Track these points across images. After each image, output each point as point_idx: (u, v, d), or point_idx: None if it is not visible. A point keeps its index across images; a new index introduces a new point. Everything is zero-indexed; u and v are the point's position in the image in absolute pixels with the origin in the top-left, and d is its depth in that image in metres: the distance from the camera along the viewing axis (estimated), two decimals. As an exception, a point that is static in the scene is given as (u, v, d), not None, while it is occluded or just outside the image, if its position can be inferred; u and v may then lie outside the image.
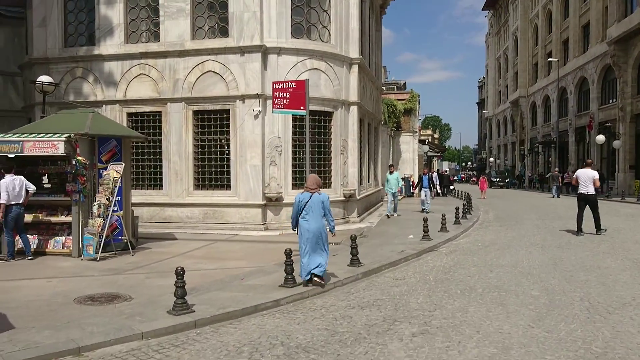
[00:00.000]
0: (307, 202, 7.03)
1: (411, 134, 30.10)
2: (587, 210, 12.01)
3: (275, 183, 14.00)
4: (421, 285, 7.46)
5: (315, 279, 7.10)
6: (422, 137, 38.85)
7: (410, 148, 30.17)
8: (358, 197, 15.86)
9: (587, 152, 36.20)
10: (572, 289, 6.94)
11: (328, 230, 7.25)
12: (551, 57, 39.72)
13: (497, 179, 51.18)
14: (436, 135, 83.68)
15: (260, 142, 13.72)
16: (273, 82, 10.60)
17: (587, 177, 11.89)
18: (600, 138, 28.25)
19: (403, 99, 30.53)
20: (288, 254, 7.12)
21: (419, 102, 33.59)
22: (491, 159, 71.97)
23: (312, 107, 13.68)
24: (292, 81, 10.27)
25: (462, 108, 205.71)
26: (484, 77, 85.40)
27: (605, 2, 32.88)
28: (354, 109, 15.55)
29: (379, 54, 22.87)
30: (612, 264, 8.59)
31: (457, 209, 14.89)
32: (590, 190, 11.83)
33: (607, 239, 11.42)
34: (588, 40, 36.74)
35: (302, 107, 9.49)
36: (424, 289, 7.16)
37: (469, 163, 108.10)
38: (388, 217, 16.74)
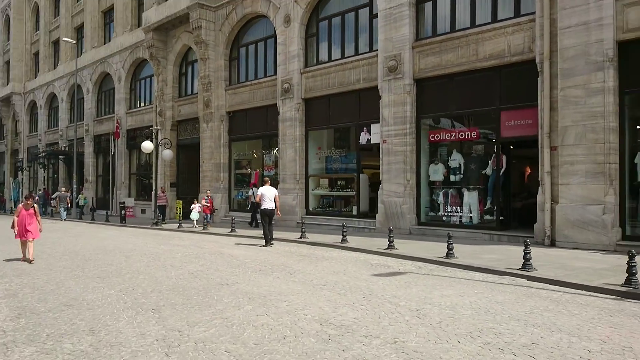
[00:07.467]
0: None
1: None
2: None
3: None
4: None
5: None
6: None
7: None
8: None
9: (113, 164, 29.00)
10: None
11: None
12: (60, 46, 30.51)
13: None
14: None
15: None
16: None
17: (271, 194, 12.55)
18: (167, 153, 21.71)
19: None
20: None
21: None
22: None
23: None
24: None
25: None
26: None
27: (136, -16, 27.10)
28: None
29: None
30: None
31: None
32: (272, 205, 12.51)
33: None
34: (112, 29, 29.99)
35: None
36: None
37: None
38: None
